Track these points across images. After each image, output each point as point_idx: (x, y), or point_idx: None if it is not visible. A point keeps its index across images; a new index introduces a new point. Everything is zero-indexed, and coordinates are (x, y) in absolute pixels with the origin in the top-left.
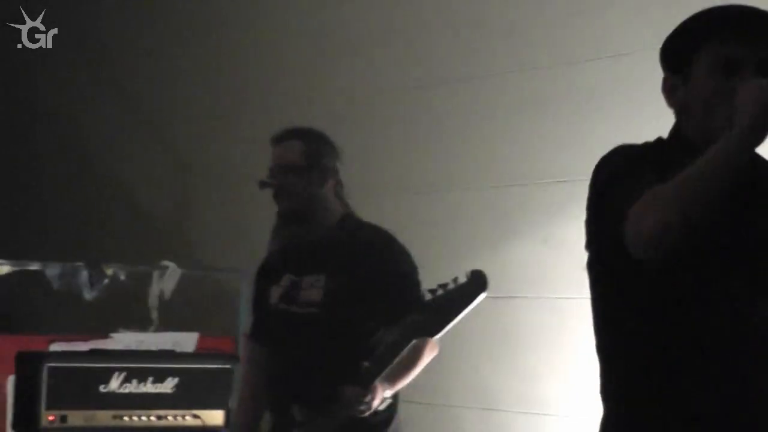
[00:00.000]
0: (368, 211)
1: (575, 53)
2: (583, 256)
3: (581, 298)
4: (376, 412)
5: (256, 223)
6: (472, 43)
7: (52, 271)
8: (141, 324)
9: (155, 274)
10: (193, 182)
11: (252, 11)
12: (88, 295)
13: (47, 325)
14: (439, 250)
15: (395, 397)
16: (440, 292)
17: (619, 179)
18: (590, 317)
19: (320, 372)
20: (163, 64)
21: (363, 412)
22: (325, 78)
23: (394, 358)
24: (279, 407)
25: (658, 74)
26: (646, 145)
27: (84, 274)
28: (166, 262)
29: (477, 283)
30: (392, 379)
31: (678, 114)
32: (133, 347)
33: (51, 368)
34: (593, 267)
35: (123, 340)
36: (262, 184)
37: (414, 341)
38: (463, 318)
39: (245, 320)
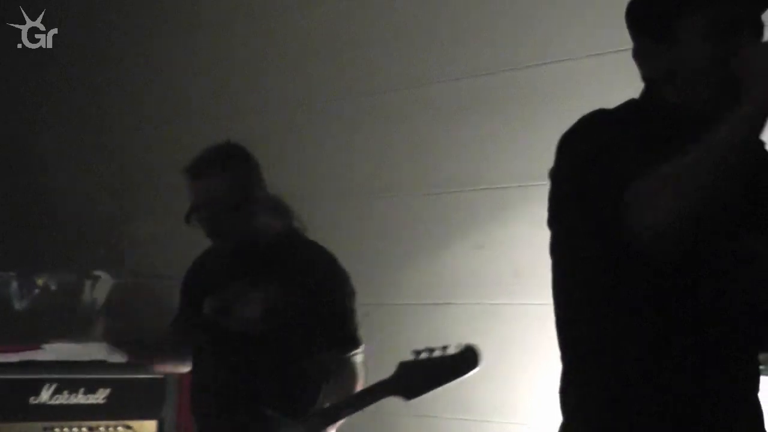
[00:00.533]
0: (304, 218)
1: (512, 60)
2: (518, 262)
3: (516, 304)
4: None
5: (191, 231)
6: (410, 50)
7: None
8: (73, 334)
9: (87, 283)
10: (127, 191)
11: (194, 20)
12: (19, 305)
13: None
14: (375, 257)
15: None
16: (424, 356)
17: (603, 153)
18: (525, 322)
19: (246, 391)
20: (101, 72)
21: None
22: (264, 86)
23: (356, 410)
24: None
25: (596, 81)
26: (625, 112)
27: (14, 284)
28: (98, 272)
29: (467, 359)
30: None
31: (657, 82)
32: (65, 358)
33: None
34: (561, 245)
35: (54, 350)
36: (188, 221)
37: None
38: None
39: None
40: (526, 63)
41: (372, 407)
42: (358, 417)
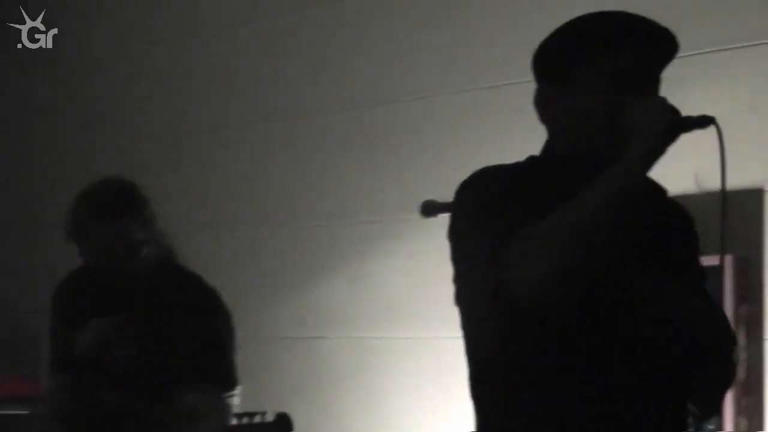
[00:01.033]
0: (184, 248)
1: (385, 95)
2: (391, 295)
3: (389, 337)
4: None
5: (57, 262)
6: (290, 82)
7: None
8: None
9: None
10: None
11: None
12: None
13: None
14: (248, 289)
15: None
16: (245, 421)
17: (489, 210)
18: (398, 356)
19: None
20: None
21: None
22: (138, 119)
23: None
24: None
25: (468, 116)
26: (517, 166)
27: None
28: None
29: (282, 426)
30: None
31: (554, 130)
32: None
33: None
34: (460, 301)
35: None
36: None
37: None
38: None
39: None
40: (399, 98)
41: None
42: None
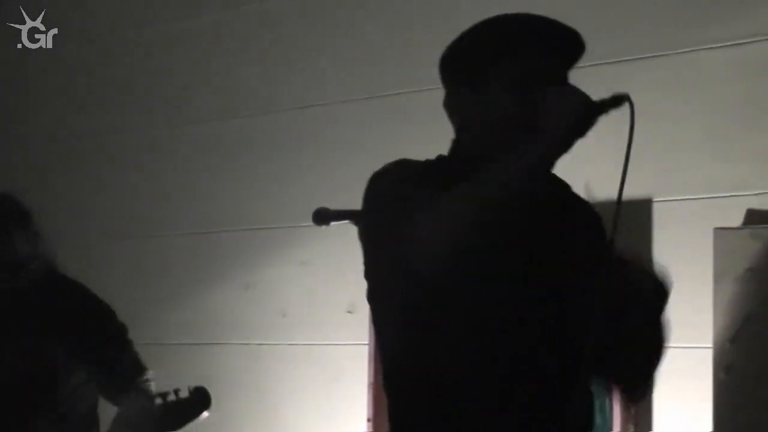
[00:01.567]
0: (72, 258)
1: (278, 102)
2: (285, 302)
3: (283, 344)
4: None
5: None
6: (179, 88)
7: None
8: None
9: None
10: None
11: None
12: None
13: None
14: (141, 296)
15: None
16: (159, 401)
17: (396, 199)
18: (292, 363)
19: None
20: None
21: None
22: (23, 127)
23: None
24: None
25: (364, 122)
26: (426, 162)
27: None
28: None
29: (199, 400)
30: None
31: (463, 130)
32: None
33: None
34: (370, 298)
35: None
36: None
37: None
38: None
39: None
40: (291, 106)
41: None
42: None
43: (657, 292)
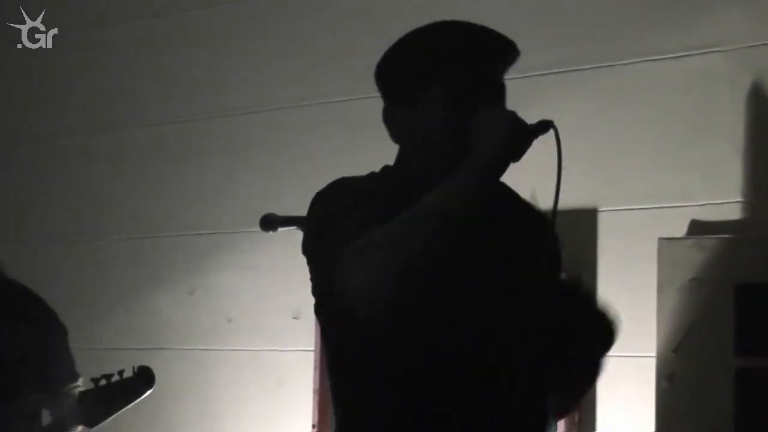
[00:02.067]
0: (14, 260)
1: (224, 106)
2: (230, 308)
3: (226, 349)
4: None
5: None
6: (124, 92)
7: None
8: None
9: None
10: None
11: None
12: None
13: None
14: (85, 301)
15: None
16: (103, 382)
17: (333, 220)
18: (237, 369)
19: None
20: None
21: None
22: None
23: None
24: None
25: (313, 127)
26: (369, 178)
27: None
28: None
29: (144, 379)
30: None
31: (403, 147)
32: None
33: None
34: (318, 313)
35: None
36: None
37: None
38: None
39: None
40: (239, 110)
41: None
42: None
43: (607, 335)
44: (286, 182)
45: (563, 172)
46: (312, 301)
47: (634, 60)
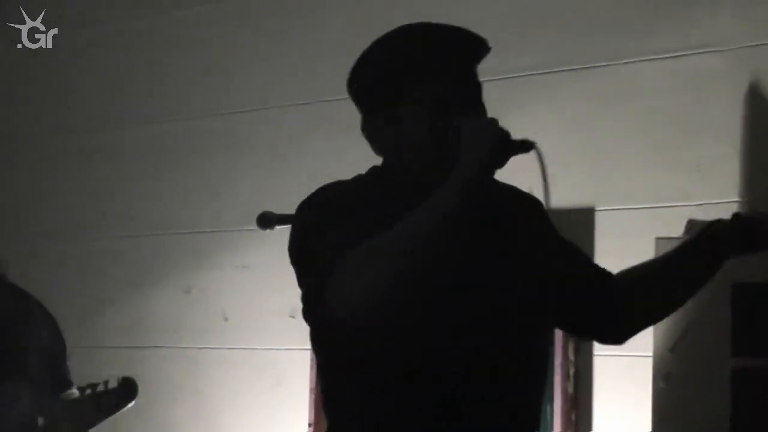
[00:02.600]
0: (11, 260)
1: (221, 105)
2: (226, 306)
3: (224, 348)
4: None
5: None
6: (113, 92)
7: None
8: None
9: None
10: None
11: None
12: None
13: None
14: (80, 300)
15: None
16: (88, 392)
17: (321, 229)
18: (233, 367)
19: None
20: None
21: None
22: None
23: None
24: None
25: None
26: (355, 183)
27: None
28: None
29: (127, 390)
30: None
31: (388, 158)
32: None
33: None
34: (307, 318)
35: None
36: None
37: None
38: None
39: None
40: (235, 108)
41: None
42: None
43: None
44: (283, 181)
45: (559, 173)
46: None
47: (632, 59)
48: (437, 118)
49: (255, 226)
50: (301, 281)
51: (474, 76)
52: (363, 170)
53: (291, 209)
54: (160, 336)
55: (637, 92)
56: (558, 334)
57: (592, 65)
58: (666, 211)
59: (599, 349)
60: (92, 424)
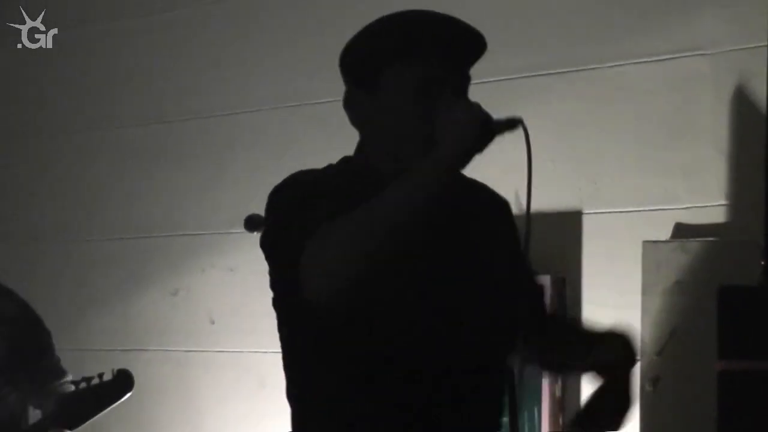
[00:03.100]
0: None
1: (208, 107)
2: (213, 309)
3: (211, 351)
4: None
5: None
6: (105, 93)
7: None
8: None
9: None
10: None
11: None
12: None
13: None
14: (67, 302)
15: None
16: (83, 385)
17: (293, 214)
18: (220, 370)
19: None
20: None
21: None
22: None
23: None
24: None
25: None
26: (326, 170)
27: None
28: None
29: (123, 382)
30: None
31: (363, 133)
32: None
33: None
34: (277, 308)
35: None
36: None
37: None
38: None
39: None
40: (223, 111)
41: None
42: None
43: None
44: (270, 183)
45: (546, 175)
46: None
47: (618, 63)
48: (415, 98)
49: (242, 229)
50: (272, 267)
51: (463, 67)
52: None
53: None
54: (147, 338)
55: (624, 95)
56: None
57: (579, 68)
58: (653, 214)
59: None
60: (88, 418)
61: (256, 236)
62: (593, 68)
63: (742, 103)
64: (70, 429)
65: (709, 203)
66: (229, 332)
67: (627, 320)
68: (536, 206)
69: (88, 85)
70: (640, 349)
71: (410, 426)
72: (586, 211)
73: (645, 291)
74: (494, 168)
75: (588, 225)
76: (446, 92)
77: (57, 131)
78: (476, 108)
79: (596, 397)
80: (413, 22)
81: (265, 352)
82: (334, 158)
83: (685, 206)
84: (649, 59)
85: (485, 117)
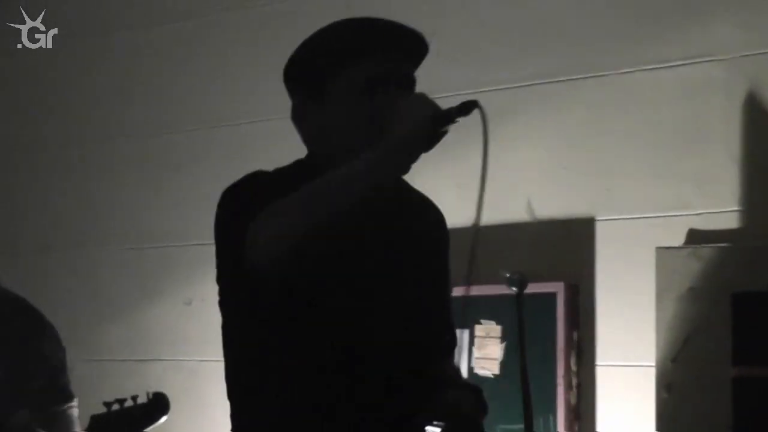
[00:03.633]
0: (12, 271)
1: (222, 116)
2: None
3: (222, 360)
4: None
5: None
6: (108, 104)
7: None
8: None
9: None
10: None
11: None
12: None
13: None
14: (82, 311)
15: None
16: (116, 407)
17: (244, 208)
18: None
19: None
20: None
21: None
22: None
23: None
24: None
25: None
26: (280, 170)
27: None
28: None
29: (158, 405)
30: None
31: (311, 142)
32: None
33: None
34: (222, 302)
35: None
36: None
37: None
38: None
39: None
40: (236, 119)
41: None
42: None
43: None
44: None
45: (562, 178)
46: None
47: (631, 69)
48: (360, 99)
49: None
50: (221, 253)
51: (406, 68)
52: None
53: None
54: (161, 348)
55: (637, 102)
56: (560, 345)
57: (591, 75)
58: (667, 220)
59: (602, 360)
60: None
61: None
62: (606, 75)
63: (755, 109)
64: None
65: (722, 209)
66: None
67: (641, 327)
68: (549, 213)
69: (101, 95)
70: (655, 356)
71: (349, 400)
72: (600, 218)
73: (659, 297)
74: (504, 177)
75: (601, 231)
76: (392, 89)
77: (70, 141)
78: (424, 97)
79: None
80: (355, 28)
81: None
82: None
83: (698, 212)
84: (661, 66)
85: (434, 104)
